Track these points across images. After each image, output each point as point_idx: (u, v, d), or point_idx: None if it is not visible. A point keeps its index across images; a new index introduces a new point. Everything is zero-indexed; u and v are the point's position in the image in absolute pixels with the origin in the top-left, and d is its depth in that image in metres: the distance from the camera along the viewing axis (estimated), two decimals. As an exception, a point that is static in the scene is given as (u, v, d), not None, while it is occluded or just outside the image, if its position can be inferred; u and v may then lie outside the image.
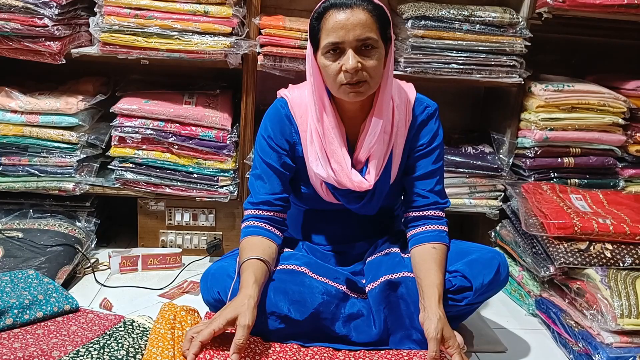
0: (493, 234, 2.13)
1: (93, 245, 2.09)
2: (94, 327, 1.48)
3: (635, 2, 2.02)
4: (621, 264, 1.70)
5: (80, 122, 2.03)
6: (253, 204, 1.53)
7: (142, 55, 1.97)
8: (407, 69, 2.06)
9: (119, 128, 2.03)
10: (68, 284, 1.86)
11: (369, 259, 1.60)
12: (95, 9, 1.95)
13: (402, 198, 1.68)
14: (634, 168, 2.26)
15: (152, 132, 2.03)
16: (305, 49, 1.94)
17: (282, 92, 1.60)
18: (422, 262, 1.47)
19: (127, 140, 2.05)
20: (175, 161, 2.07)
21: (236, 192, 2.11)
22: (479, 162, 2.17)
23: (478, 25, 2.06)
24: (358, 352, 1.44)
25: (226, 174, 2.09)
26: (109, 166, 2.09)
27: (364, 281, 1.54)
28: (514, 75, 2.11)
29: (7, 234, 1.93)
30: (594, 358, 1.52)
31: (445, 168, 1.71)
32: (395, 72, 2.03)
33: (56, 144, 2.03)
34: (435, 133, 1.56)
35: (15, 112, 2.00)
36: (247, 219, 1.53)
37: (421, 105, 1.56)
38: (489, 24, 2.06)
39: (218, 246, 2.17)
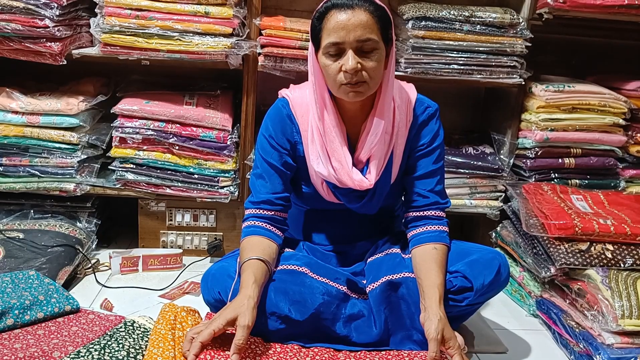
0: (494, 234, 2.13)
1: (94, 246, 2.09)
2: (94, 328, 1.48)
3: (636, 2, 2.02)
4: (622, 265, 1.70)
5: (81, 123, 2.03)
6: (254, 203, 1.53)
7: (143, 56, 1.97)
8: (407, 69, 2.06)
9: (119, 129, 2.04)
10: (69, 284, 1.87)
11: (369, 260, 1.60)
12: (96, 10, 1.95)
13: (403, 198, 1.68)
14: (634, 168, 2.26)
15: (152, 132, 2.03)
16: (306, 49, 1.95)
17: (283, 92, 1.60)
18: (422, 263, 1.47)
19: (128, 141, 2.05)
20: (176, 162, 2.07)
21: (237, 193, 2.12)
22: (480, 163, 2.17)
23: (478, 26, 2.06)
24: (359, 352, 1.44)
25: (227, 175, 2.09)
26: (109, 167, 2.09)
27: (364, 282, 1.54)
28: (514, 76, 2.11)
29: (7, 235, 1.94)
30: (594, 359, 1.52)
31: (445, 168, 1.71)
32: (396, 73, 2.02)
33: (57, 145, 2.03)
34: (436, 133, 1.57)
35: (16, 112, 2.00)
36: (248, 218, 1.53)
37: (422, 106, 1.56)
38: (489, 25, 2.06)
39: (219, 247, 2.17)
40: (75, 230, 2.03)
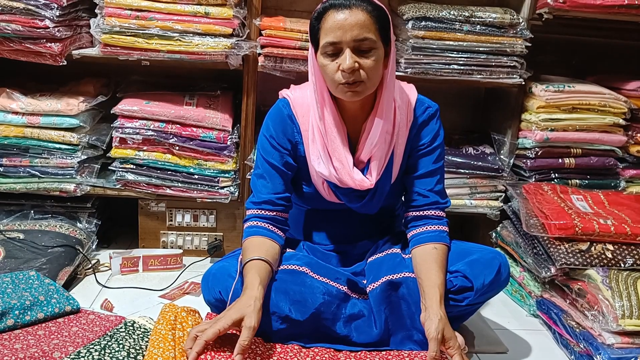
0: (494, 234, 2.13)
1: (94, 246, 2.09)
2: (95, 328, 1.48)
3: (636, 2, 2.02)
4: (622, 265, 1.70)
5: (81, 124, 2.03)
6: (255, 204, 1.54)
7: (143, 57, 1.97)
8: (407, 69, 2.06)
9: (119, 129, 2.04)
10: (69, 285, 1.87)
11: (370, 260, 1.60)
12: (96, 11, 1.95)
13: (403, 198, 1.68)
14: (634, 169, 2.26)
15: (153, 133, 2.03)
16: (306, 50, 1.95)
17: (283, 92, 1.60)
18: (422, 263, 1.47)
19: (128, 142, 2.05)
20: (176, 162, 2.07)
21: (237, 193, 2.12)
22: (480, 163, 2.17)
23: (478, 26, 2.06)
24: (359, 353, 1.44)
25: (227, 175, 2.09)
26: (109, 167, 2.09)
27: (364, 281, 1.54)
28: (514, 76, 2.11)
29: (8, 235, 1.94)
30: (595, 359, 1.52)
31: (446, 169, 1.71)
32: (396, 73, 2.01)
33: (57, 145, 2.03)
34: (436, 133, 1.57)
35: (16, 113, 2.00)
36: (250, 218, 1.53)
37: (422, 106, 1.57)
38: (489, 25, 2.06)
39: (219, 247, 2.17)
40: (76, 231, 2.03)
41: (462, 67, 2.08)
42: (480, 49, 2.07)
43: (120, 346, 1.38)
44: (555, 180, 2.17)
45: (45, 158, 2.04)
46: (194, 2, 1.95)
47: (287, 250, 1.59)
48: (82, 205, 2.14)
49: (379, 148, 1.49)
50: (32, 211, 2.10)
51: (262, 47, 2.01)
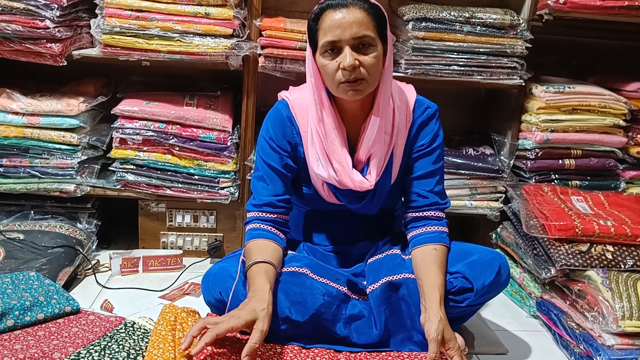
0: (494, 235, 2.13)
1: (94, 247, 2.09)
2: (94, 329, 1.48)
3: (636, 3, 2.02)
4: (622, 266, 1.70)
5: (81, 124, 2.03)
6: (256, 206, 1.53)
7: (143, 57, 1.97)
8: (408, 70, 2.06)
9: (120, 129, 2.04)
10: (69, 285, 1.86)
11: (369, 260, 1.60)
12: (96, 11, 1.95)
13: (402, 199, 1.68)
14: (634, 170, 2.26)
15: (153, 133, 2.03)
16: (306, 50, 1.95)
17: (282, 94, 1.60)
18: (422, 264, 1.47)
19: (128, 142, 2.05)
20: (176, 163, 2.07)
21: (237, 194, 2.12)
22: (480, 164, 2.17)
23: (479, 27, 2.06)
24: (359, 353, 1.44)
25: (227, 176, 2.09)
26: (110, 168, 2.09)
27: (365, 282, 1.54)
28: (514, 77, 2.11)
29: (8, 236, 1.94)
30: (595, 360, 1.52)
31: (446, 170, 1.71)
32: (396, 74, 2.03)
33: (57, 146, 2.03)
34: (435, 134, 1.57)
35: (16, 113, 2.00)
36: (251, 221, 1.53)
37: (421, 107, 1.57)
38: (489, 26, 2.06)
39: (219, 247, 2.17)
40: (76, 231, 2.03)
41: (462, 68, 2.08)
42: (481, 50, 2.07)
43: (120, 347, 1.38)
44: (556, 181, 2.18)
45: (45, 158, 2.04)
46: (194, 3, 1.95)
47: (288, 252, 1.59)
48: (82, 205, 2.14)
49: (378, 148, 1.49)
50: (32, 212, 2.10)
51: (263, 47, 2.01)
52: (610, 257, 1.72)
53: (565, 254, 1.73)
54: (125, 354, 1.36)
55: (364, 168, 1.52)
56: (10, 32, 1.88)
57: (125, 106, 2.04)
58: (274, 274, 1.42)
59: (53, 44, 1.91)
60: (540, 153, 2.16)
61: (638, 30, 2.16)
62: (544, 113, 2.13)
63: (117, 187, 2.10)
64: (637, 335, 1.53)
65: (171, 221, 2.17)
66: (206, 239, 2.19)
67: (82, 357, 1.32)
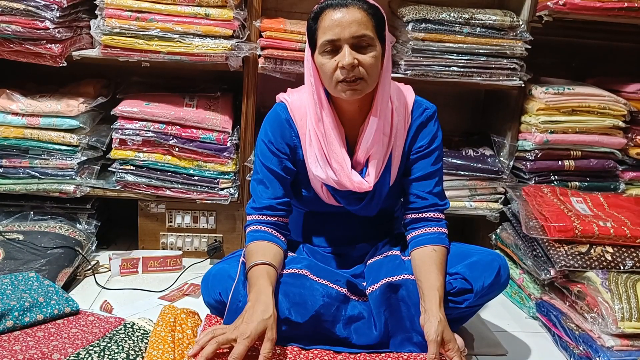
0: (493, 236, 2.13)
1: (93, 248, 2.09)
2: (94, 330, 1.48)
3: (636, 5, 2.02)
4: (622, 267, 1.70)
5: (81, 125, 2.03)
6: (256, 209, 1.53)
7: (143, 58, 1.97)
8: (407, 71, 2.06)
9: (119, 130, 2.04)
10: (68, 286, 1.86)
11: (369, 262, 1.60)
12: (96, 12, 1.95)
13: (402, 200, 1.68)
14: (634, 171, 2.26)
15: (152, 134, 2.03)
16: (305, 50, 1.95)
17: (281, 97, 1.60)
18: (422, 265, 1.47)
19: (128, 143, 2.05)
20: (176, 163, 2.07)
21: (237, 195, 2.12)
22: (480, 165, 2.17)
23: (478, 28, 2.06)
24: (358, 355, 1.44)
25: (227, 177, 2.09)
26: (109, 168, 2.09)
27: (364, 284, 1.54)
28: (514, 78, 2.12)
29: (7, 236, 1.94)
30: (594, 361, 1.52)
31: (445, 171, 1.71)
32: (396, 75, 2.03)
33: (57, 146, 2.03)
34: (434, 135, 1.57)
35: (16, 114, 2.00)
36: (252, 223, 1.53)
37: (420, 108, 1.57)
38: (489, 27, 2.06)
39: (218, 248, 2.17)
40: (75, 232, 2.03)
41: (462, 69, 2.08)
42: (480, 51, 2.07)
43: (120, 348, 1.38)
44: (555, 182, 2.18)
45: (45, 159, 2.04)
46: (194, 4, 1.95)
47: (288, 253, 1.59)
48: (81, 206, 2.14)
49: (377, 149, 1.49)
50: (32, 212, 2.10)
51: (262, 48, 2.01)
52: (609, 258, 1.72)
53: (565, 255, 1.73)
54: (125, 355, 1.35)
55: (363, 169, 1.52)
56: (10, 32, 1.88)
57: (125, 107, 2.04)
58: (276, 276, 1.42)
59: (53, 44, 1.91)
60: (539, 154, 2.16)
61: (637, 32, 2.16)
62: (543, 114, 2.13)
63: (117, 187, 2.10)
64: (636, 336, 1.53)
65: (171, 222, 2.17)
66: (206, 240, 2.19)
67: (81, 358, 1.32)
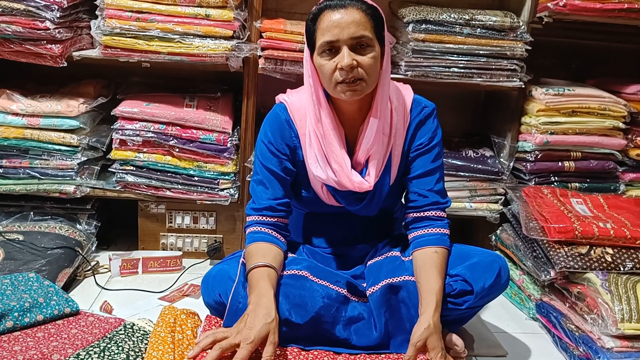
0: (494, 237, 2.13)
1: (93, 248, 2.09)
2: (94, 330, 1.48)
3: (636, 6, 2.02)
4: (622, 268, 1.70)
5: (81, 125, 2.03)
6: (256, 210, 1.53)
7: (144, 58, 1.97)
8: (408, 72, 2.06)
9: (120, 131, 2.04)
10: (68, 286, 1.86)
11: (369, 263, 1.60)
12: (96, 12, 1.96)
13: (403, 199, 1.68)
14: (634, 172, 2.26)
15: (153, 134, 2.03)
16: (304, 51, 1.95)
17: (280, 97, 1.60)
18: (423, 267, 1.47)
19: (128, 143, 2.05)
20: (176, 164, 2.07)
21: (237, 195, 2.11)
22: (480, 166, 2.17)
23: (479, 29, 2.06)
24: (358, 356, 1.44)
25: (227, 177, 2.09)
26: (109, 169, 2.09)
27: (364, 285, 1.54)
28: (514, 79, 2.12)
29: (7, 237, 1.94)
30: (594, 362, 1.52)
31: (445, 171, 1.71)
32: (396, 76, 2.03)
33: (57, 147, 2.03)
34: (433, 132, 1.57)
35: (16, 114, 2.00)
36: (252, 224, 1.53)
37: (419, 106, 1.57)
38: (489, 28, 2.07)
39: (218, 249, 2.17)
40: (75, 232, 2.03)
41: (462, 70, 2.08)
42: (481, 52, 2.07)
43: (120, 348, 1.38)
44: (555, 183, 2.18)
45: (45, 159, 2.04)
46: (194, 4, 1.95)
47: (288, 254, 1.59)
48: (81, 206, 2.14)
49: (376, 149, 1.49)
50: (32, 212, 2.10)
51: (263, 49, 2.01)
52: (609, 259, 1.72)
53: (565, 257, 1.73)
54: (125, 356, 1.35)
55: (363, 169, 1.52)
56: (10, 33, 1.88)
57: (125, 107, 2.04)
58: (276, 278, 1.42)
59: (53, 45, 1.91)
60: (539, 155, 2.16)
61: (638, 33, 2.16)
62: (543, 115, 2.13)
63: (117, 188, 2.10)
64: (636, 337, 1.53)
65: (171, 222, 2.17)
66: (206, 241, 2.19)
67: (81, 359, 1.32)
